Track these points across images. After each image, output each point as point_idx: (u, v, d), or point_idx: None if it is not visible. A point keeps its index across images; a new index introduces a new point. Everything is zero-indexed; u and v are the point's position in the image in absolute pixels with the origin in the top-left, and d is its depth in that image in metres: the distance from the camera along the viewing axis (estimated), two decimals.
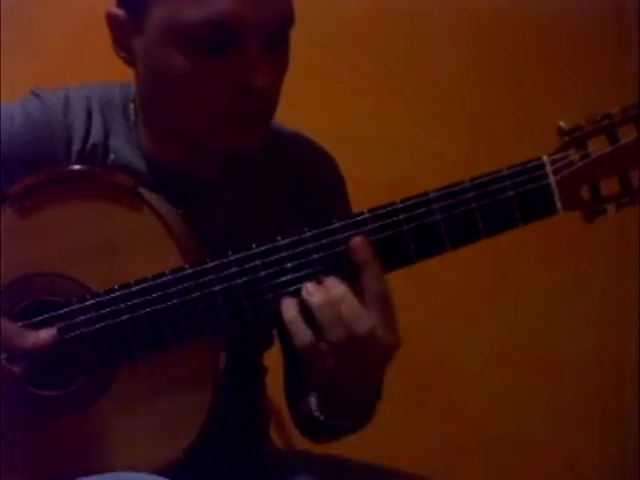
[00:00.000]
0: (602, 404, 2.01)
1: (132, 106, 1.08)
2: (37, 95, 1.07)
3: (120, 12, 1.00)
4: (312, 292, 0.90)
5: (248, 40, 0.95)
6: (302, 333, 0.89)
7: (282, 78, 1.02)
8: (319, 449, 1.25)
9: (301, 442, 1.44)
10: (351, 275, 0.91)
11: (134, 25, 0.99)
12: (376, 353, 0.90)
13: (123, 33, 1.01)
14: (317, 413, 1.03)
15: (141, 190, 0.99)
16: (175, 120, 1.01)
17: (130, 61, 1.02)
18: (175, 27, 0.95)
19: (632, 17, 1.88)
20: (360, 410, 1.02)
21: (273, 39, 0.97)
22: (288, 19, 0.99)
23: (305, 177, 1.15)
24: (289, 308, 0.91)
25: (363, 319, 0.88)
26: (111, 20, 1.01)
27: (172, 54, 0.96)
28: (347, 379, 0.91)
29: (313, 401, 1.04)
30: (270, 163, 1.13)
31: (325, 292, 0.90)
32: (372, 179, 1.75)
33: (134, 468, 0.97)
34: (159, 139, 1.06)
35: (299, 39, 1.04)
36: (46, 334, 0.96)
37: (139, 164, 1.06)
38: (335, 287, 0.90)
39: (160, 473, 0.97)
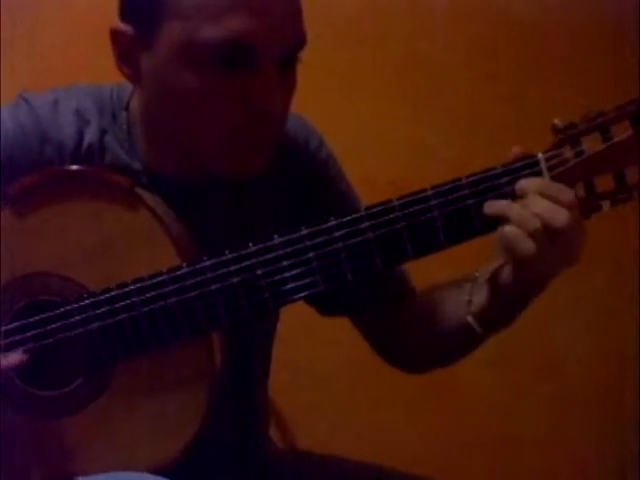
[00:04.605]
0: (602, 404, 2.01)
1: (125, 114, 1.05)
2: (25, 100, 1.04)
3: (127, 28, 0.97)
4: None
5: (263, 60, 0.94)
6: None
7: (292, 98, 1.00)
8: (320, 449, 1.25)
9: (302, 442, 1.44)
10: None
11: (142, 41, 0.96)
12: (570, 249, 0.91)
13: (130, 49, 0.98)
14: (471, 320, 1.01)
15: (138, 190, 0.99)
16: (184, 140, 0.99)
17: (134, 77, 1.00)
18: (189, 45, 0.93)
19: (632, 17, 1.88)
20: (513, 318, 1.00)
21: (286, 59, 0.96)
22: (302, 41, 0.98)
23: (300, 169, 1.13)
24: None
25: (561, 214, 0.89)
26: (117, 36, 0.98)
27: (184, 72, 0.94)
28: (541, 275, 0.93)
29: (470, 312, 1.01)
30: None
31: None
32: (372, 179, 1.74)
33: (133, 467, 0.97)
34: (159, 153, 1.04)
35: None
36: (13, 359, 0.96)
37: (135, 165, 1.05)
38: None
39: (159, 472, 0.97)
